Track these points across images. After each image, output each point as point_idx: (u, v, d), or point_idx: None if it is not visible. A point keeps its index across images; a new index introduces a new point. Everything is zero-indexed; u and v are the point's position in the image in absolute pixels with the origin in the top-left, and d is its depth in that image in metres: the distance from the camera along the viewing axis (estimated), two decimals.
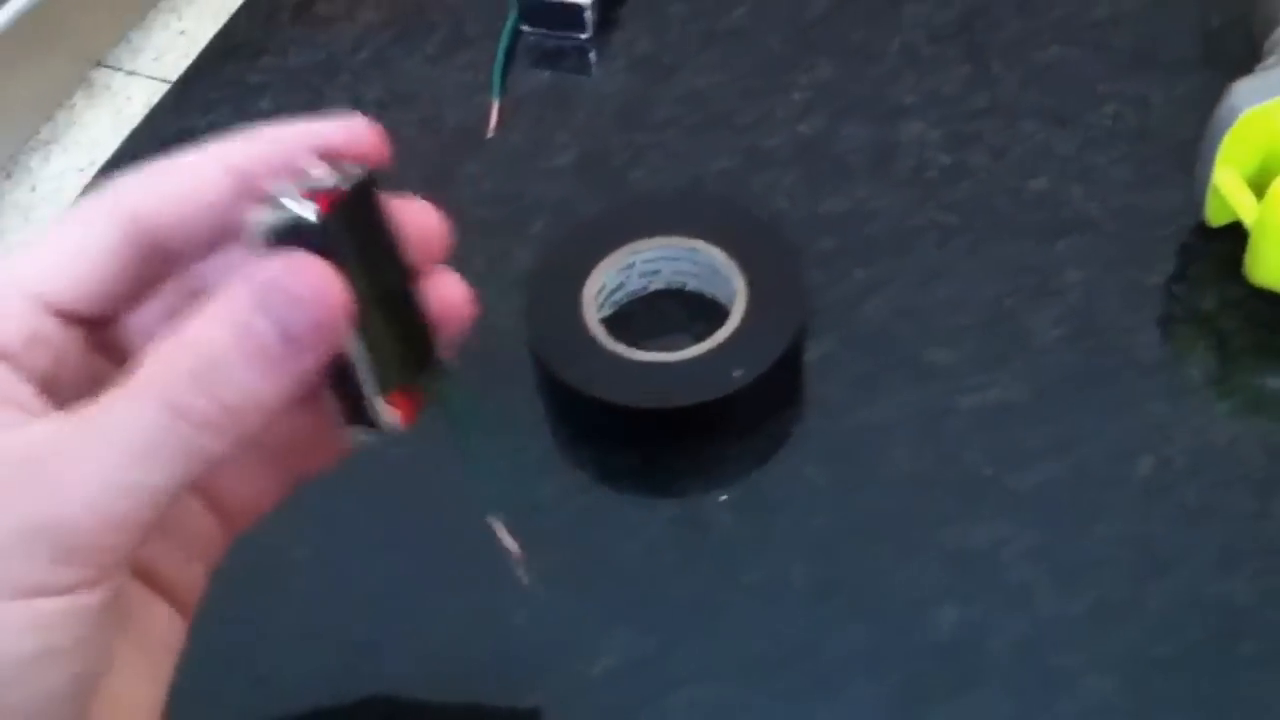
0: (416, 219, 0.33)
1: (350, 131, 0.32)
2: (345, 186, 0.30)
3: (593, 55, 0.57)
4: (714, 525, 0.43)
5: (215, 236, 0.32)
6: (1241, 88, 0.44)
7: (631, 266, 0.47)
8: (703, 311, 0.47)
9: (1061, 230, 0.49)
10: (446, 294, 0.34)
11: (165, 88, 0.59)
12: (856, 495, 0.44)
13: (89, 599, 0.29)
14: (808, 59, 0.55)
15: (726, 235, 0.47)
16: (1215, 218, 0.46)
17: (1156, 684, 0.39)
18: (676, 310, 0.48)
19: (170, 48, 1.66)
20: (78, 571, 0.29)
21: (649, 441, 0.45)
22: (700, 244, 0.47)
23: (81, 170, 1.58)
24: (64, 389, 0.32)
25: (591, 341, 0.45)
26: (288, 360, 0.30)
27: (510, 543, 0.36)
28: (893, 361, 0.46)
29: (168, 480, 0.29)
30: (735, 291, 0.46)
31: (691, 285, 0.48)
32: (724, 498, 0.44)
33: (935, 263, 0.49)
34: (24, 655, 0.29)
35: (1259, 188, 0.45)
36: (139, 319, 0.34)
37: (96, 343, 0.33)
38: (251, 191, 0.31)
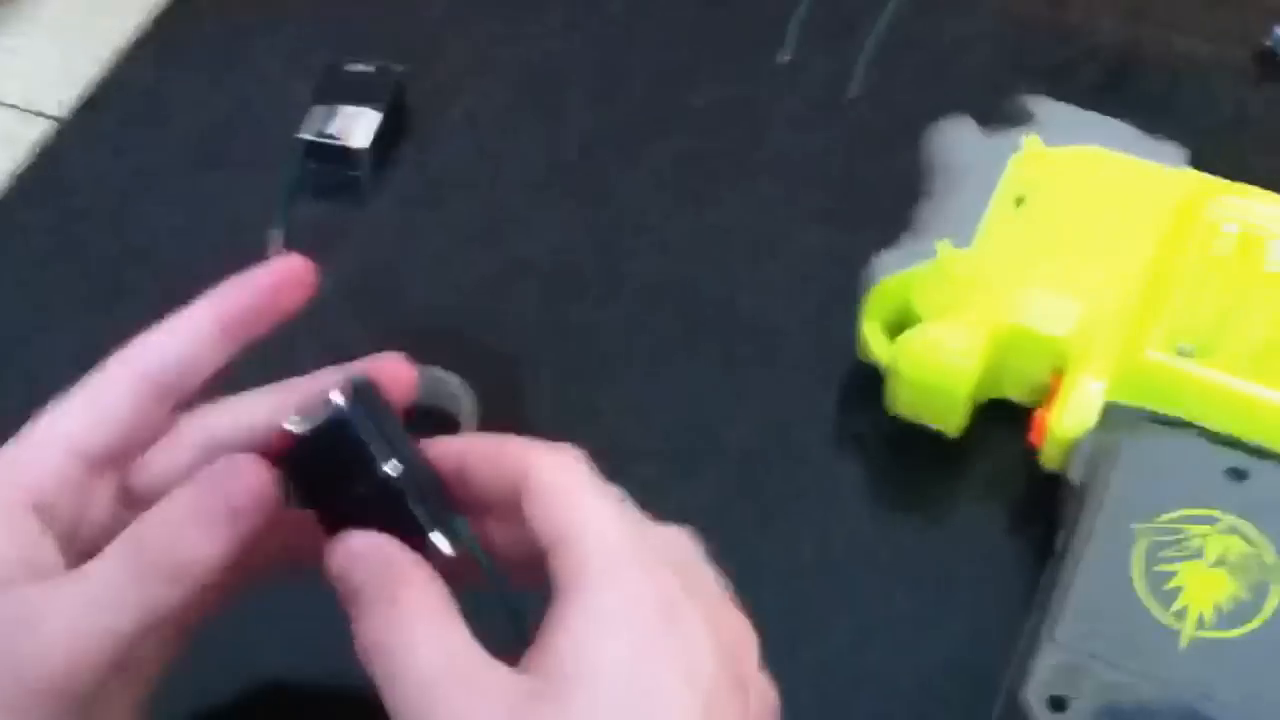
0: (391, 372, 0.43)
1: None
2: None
3: (368, 189, 0.65)
4: None
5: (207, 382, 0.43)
6: (883, 259, 0.55)
7: None
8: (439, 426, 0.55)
9: (750, 355, 0.59)
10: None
11: None
12: None
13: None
14: (559, 191, 0.65)
15: (462, 360, 0.56)
16: (865, 356, 0.56)
17: None
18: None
19: None
20: (61, 704, 0.37)
21: None
22: (437, 369, 0.56)
23: None
24: (87, 534, 0.41)
25: None
26: (226, 526, 0.38)
27: None
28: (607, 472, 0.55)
29: (129, 624, 0.38)
30: (464, 411, 0.55)
31: (427, 401, 0.57)
32: None
33: (646, 381, 0.58)
34: None
35: (900, 332, 0.55)
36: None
37: (116, 491, 0.42)
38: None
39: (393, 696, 0.36)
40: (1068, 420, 0.51)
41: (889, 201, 0.59)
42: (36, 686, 0.37)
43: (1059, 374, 0.53)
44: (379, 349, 0.43)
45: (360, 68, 0.66)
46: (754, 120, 0.67)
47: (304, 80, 0.66)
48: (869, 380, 0.56)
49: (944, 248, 0.54)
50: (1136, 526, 0.47)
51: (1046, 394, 0.53)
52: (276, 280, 0.44)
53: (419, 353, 0.54)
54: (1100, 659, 0.45)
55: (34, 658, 0.37)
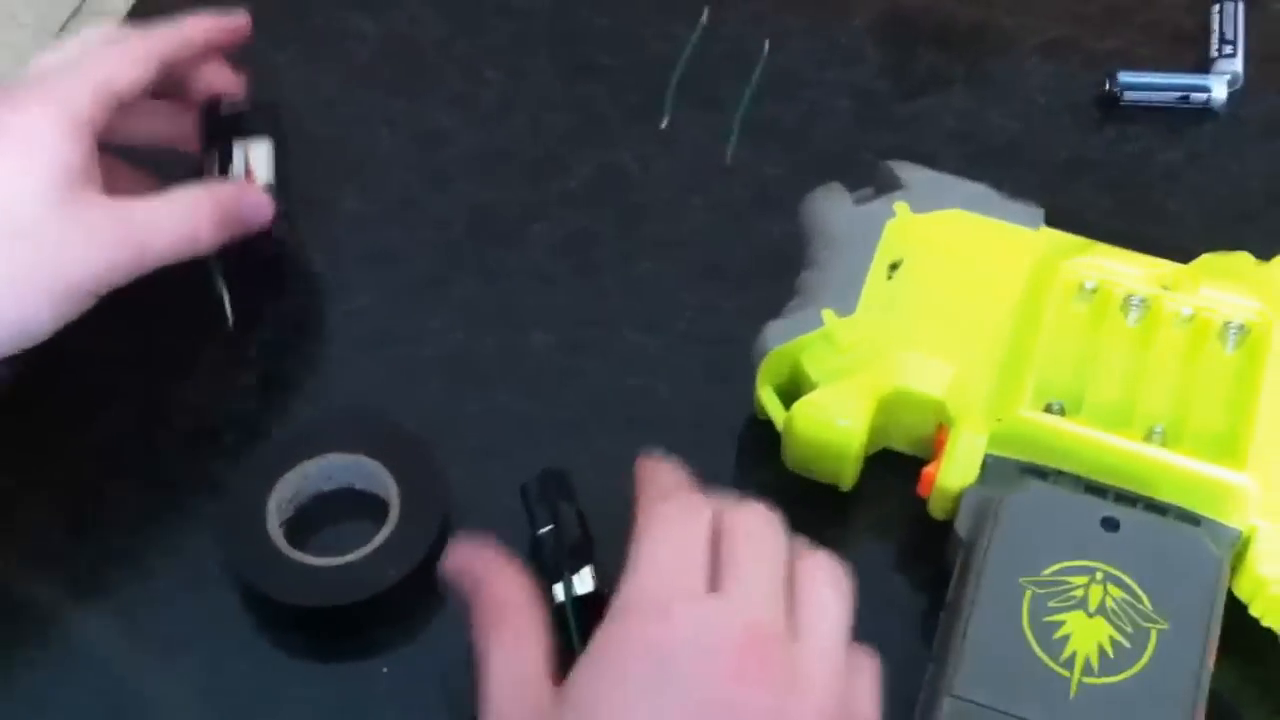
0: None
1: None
2: None
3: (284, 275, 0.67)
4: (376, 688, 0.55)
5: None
6: (771, 329, 0.58)
7: (307, 477, 0.59)
8: (370, 506, 0.59)
9: (651, 423, 0.62)
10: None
11: None
12: None
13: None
14: (454, 275, 0.67)
15: (380, 447, 0.59)
16: (763, 415, 0.60)
17: None
18: (349, 507, 0.59)
19: None
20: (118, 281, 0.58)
21: (324, 624, 0.57)
22: (362, 457, 0.59)
23: None
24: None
25: (274, 549, 0.56)
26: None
27: None
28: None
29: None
30: (391, 494, 0.58)
31: (359, 485, 0.59)
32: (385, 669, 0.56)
33: (555, 454, 0.61)
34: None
35: (793, 395, 0.59)
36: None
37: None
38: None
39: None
40: (952, 475, 0.55)
41: (770, 266, 0.63)
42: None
43: (943, 428, 0.57)
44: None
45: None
46: (637, 191, 0.70)
47: None
48: (767, 434, 0.60)
49: (829, 316, 0.57)
50: (1022, 580, 0.51)
51: (933, 446, 0.57)
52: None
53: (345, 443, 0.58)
54: (997, 710, 0.49)
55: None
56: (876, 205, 0.61)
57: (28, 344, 0.56)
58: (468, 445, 0.61)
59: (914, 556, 0.59)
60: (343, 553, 0.56)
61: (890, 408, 0.57)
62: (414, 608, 0.57)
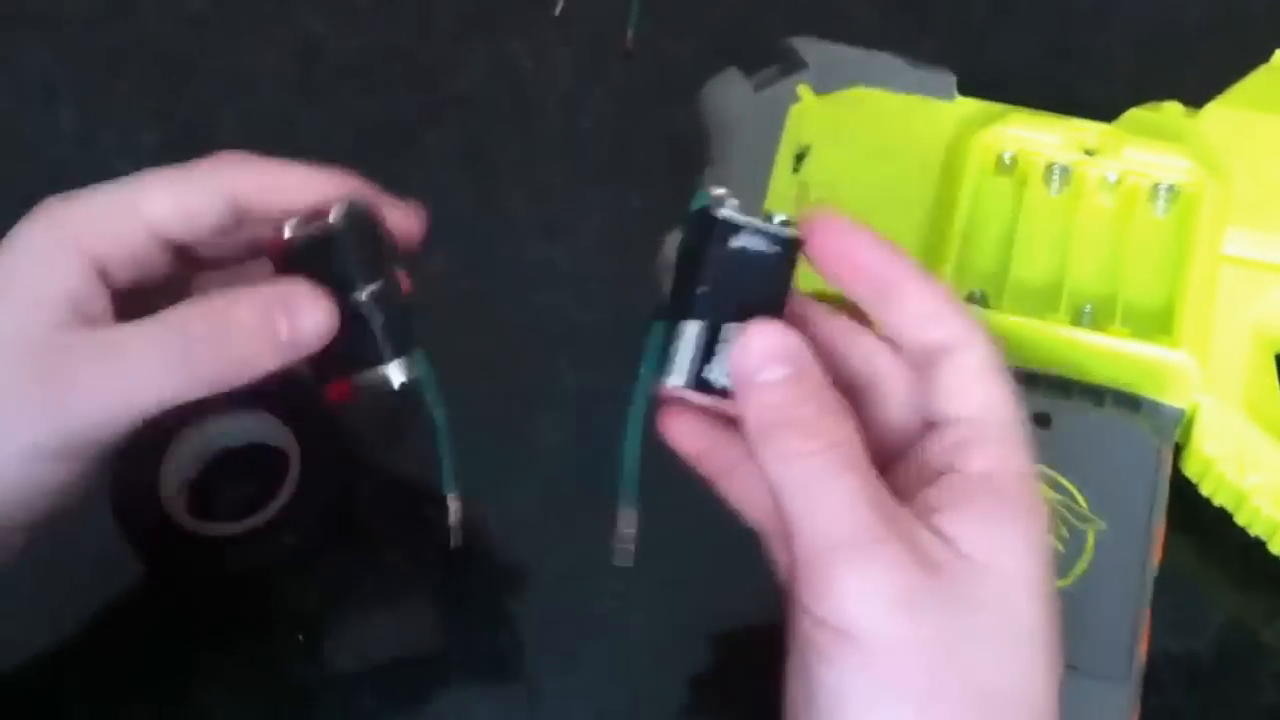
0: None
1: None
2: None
3: None
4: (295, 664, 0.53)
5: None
6: (671, 241, 0.54)
7: (205, 437, 0.55)
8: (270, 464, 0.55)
9: (561, 340, 0.59)
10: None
11: None
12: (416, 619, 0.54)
13: (77, 468, 0.43)
14: None
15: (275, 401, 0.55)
16: None
17: None
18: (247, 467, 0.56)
19: None
20: (76, 448, 0.42)
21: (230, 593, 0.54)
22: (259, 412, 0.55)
23: None
24: (140, 306, 0.43)
25: (168, 519, 0.53)
26: (287, 350, 0.42)
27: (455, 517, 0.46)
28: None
29: (154, 401, 0.42)
30: (290, 449, 0.54)
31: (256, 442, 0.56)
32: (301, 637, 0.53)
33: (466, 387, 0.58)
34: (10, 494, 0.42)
35: None
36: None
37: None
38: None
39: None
40: None
41: (672, 161, 0.59)
42: (68, 427, 0.41)
43: None
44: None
45: None
46: (533, 85, 0.65)
47: None
48: None
49: None
50: None
51: None
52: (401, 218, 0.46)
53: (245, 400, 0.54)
54: None
55: (73, 399, 0.41)
56: (778, 90, 0.57)
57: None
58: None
59: None
60: (241, 517, 0.53)
61: None
62: (325, 569, 0.54)
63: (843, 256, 0.41)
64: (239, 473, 0.56)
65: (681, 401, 0.42)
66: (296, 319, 0.42)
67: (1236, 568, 0.53)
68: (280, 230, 0.44)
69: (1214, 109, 0.55)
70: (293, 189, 0.45)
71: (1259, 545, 0.52)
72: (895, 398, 0.41)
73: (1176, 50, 0.64)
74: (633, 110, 0.64)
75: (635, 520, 0.43)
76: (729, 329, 0.40)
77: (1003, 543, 0.38)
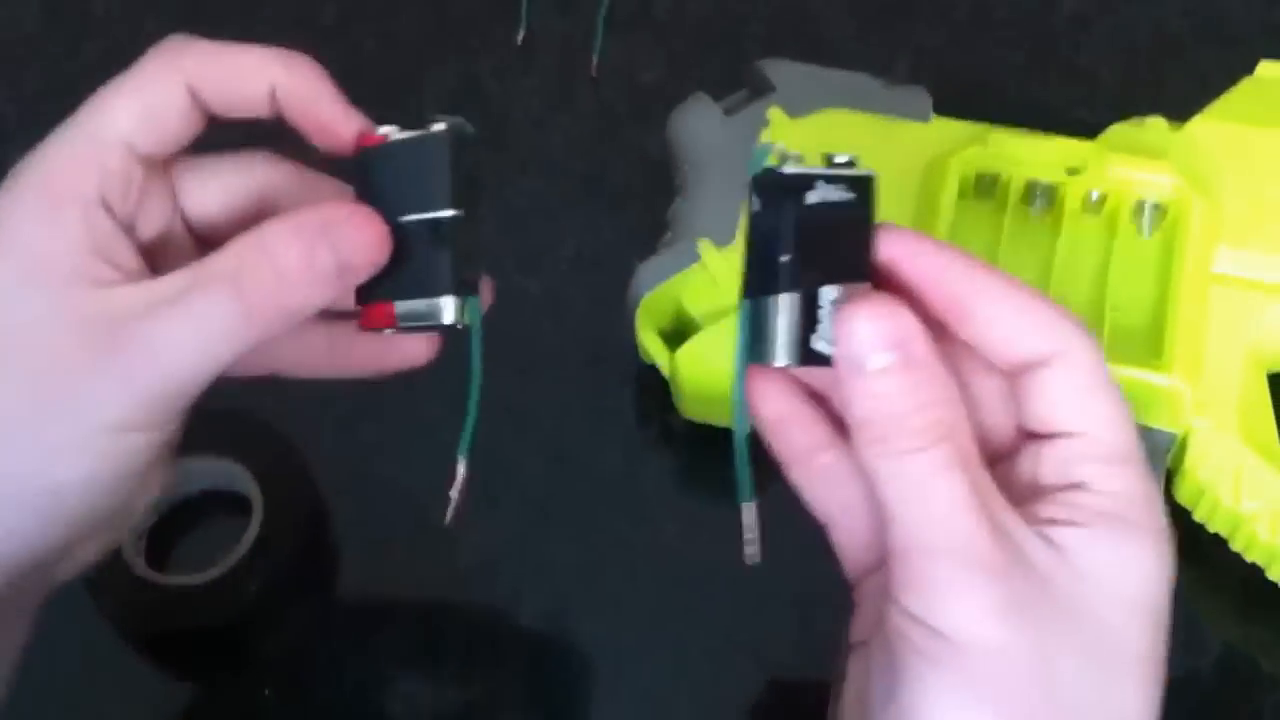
0: None
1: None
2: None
3: None
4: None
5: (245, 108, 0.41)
6: (644, 270, 0.53)
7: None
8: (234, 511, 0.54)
9: (536, 366, 0.57)
10: None
11: None
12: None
13: (160, 437, 0.39)
14: None
15: (239, 446, 0.54)
16: (648, 359, 0.55)
17: None
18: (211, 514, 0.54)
19: None
20: (159, 415, 0.38)
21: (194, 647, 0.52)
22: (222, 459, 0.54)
23: None
24: (144, 237, 0.40)
25: (128, 570, 0.51)
26: (336, 282, 0.38)
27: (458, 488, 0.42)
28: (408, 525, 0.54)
29: (229, 355, 0.38)
30: (254, 496, 0.53)
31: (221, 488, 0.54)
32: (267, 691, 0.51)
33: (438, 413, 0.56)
34: (104, 475, 0.38)
35: (681, 336, 0.53)
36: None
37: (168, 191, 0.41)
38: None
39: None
40: None
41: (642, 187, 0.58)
42: (149, 388, 0.38)
43: None
44: None
45: None
46: (497, 111, 0.64)
47: None
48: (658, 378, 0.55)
49: (705, 248, 0.52)
50: None
51: None
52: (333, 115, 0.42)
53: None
54: None
55: (141, 364, 0.37)
56: (748, 114, 0.55)
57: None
58: (336, 413, 0.56)
59: None
60: (204, 568, 0.52)
61: None
62: (290, 619, 0.52)
63: (920, 275, 0.37)
64: (196, 521, 0.54)
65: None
66: (342, 249, 0.38)
67: (1234, 593, 0.52)
68: (370, 129, 0.40)
69: (1199, 123, 0.54)
70: (250, 73, 0.41)
71: (1255, 570, 0.51)
72: (988, 404, 0.39)
73: (1159, 64, 0.63)
74: (602, 133, 0.63)
75: (755, 513, 0.39)
76: (825, 293, 0.36)
77: (1127, 565, 0.36)
